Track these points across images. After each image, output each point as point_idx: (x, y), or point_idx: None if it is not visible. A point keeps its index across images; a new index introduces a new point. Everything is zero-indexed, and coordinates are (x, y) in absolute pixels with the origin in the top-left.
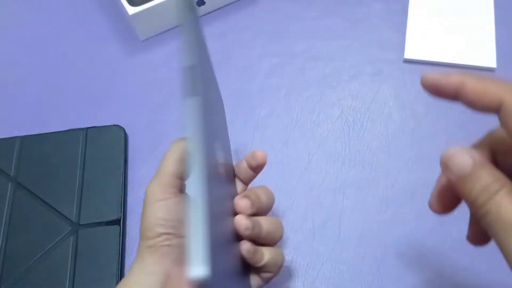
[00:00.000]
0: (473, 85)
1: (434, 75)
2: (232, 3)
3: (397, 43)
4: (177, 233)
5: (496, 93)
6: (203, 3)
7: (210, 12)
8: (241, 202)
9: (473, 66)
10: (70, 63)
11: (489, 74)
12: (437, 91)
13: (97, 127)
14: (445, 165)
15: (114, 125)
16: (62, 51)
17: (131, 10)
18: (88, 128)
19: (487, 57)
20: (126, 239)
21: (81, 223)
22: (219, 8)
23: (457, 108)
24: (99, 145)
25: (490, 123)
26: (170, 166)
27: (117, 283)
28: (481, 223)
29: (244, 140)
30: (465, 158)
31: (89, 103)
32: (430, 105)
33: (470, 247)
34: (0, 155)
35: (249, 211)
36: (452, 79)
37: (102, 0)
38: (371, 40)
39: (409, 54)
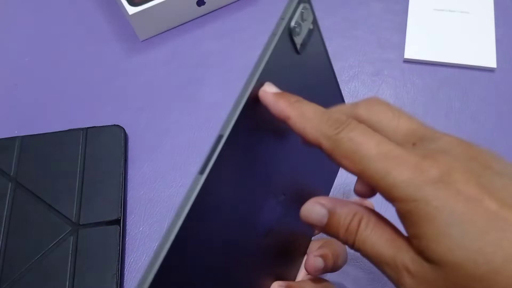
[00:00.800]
0: (294, 123)
1: (268, 95)
2: (232, 3)
3: (397, 43)
4: None
5: (313, 137)
6: (203, 3)
7: (210, 12)
8: (312, 263)
9: (473, 66)
10: (70, 63)
11: (489, 74)
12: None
13: (97, 127)
14: (307, 222)
15: (114, 125)
16: (62, 51)
17: (131, 10)
18: (88, 128)
19: (487, 57)
20: (126, 239)
21: (81, 223)
22: (219, 8)
23: (457, 108)
24: (99, 145)
25: (490, 123)
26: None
27: (117, 283)
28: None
29: None
30: (318, 210)
31: (89, 103)
32: (430, 105)
33: None
34: (0, 155)
35: (315, 275)
36: (279, 108)
37: (102, 0)
38: (371, 40)
39: (409, 54)
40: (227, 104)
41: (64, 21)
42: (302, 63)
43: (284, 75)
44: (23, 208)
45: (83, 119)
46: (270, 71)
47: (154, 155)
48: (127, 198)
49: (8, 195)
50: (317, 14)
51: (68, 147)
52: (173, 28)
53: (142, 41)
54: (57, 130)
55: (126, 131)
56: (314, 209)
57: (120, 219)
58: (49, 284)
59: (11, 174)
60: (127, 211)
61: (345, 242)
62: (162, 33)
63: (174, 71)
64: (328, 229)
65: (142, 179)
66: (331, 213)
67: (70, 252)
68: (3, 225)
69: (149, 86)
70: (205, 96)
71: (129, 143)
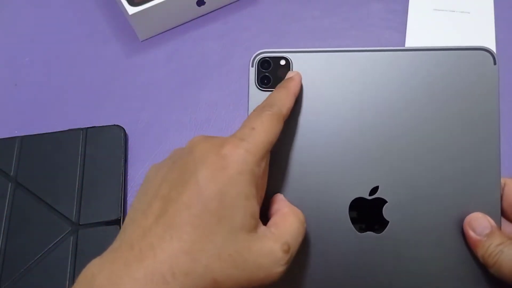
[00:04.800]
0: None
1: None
2: (232, 3)
3: (397, 43)
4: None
5: None
6: (203, 3)
7: (210, 12)
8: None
9: None
10: (70, 63)
11: None
12: None
13: (97, 127)
14: (470, 224)
15: (114, 125)
16: (62, 51)
17: (131, 10)
18: (88, 128)
19: None
20: None
21: (81, 223)
22: (219, 8)
23: None
24: (99, 145)
25: None
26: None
27: None
28: (492, 269)
29: None
30: (488, 221)
31: (89, 103)
32: None
33: None
34: (0, 155)
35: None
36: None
37: (102, 0)
38: (371, 40)
39: None
40: (227, 104)
41: (64, 21)
42: None
43: None
44: (23, 208)
45: (83, 119)
46: None
47: (154, 155)
48: (127, 198)
49: (8, 195)
50: (316, 14)
51: (68, 147)
52: (173, 28)
53: (142, 41)
54: (57, 130)
55: (126, 131)
56: (483, 220)
57: (120, 219)
58: (49, 284)
59: (11, 174)
60: (127, 211)
61: (484, 261)
62: (162, 33)
63: (174, 71)
64: (478, 242)
65: (142, 179)
66: (493, 230)
67: (70, 252)
68: (3, 225)
69: (149, 86)
70: (205, 96)
71: (129, 143)
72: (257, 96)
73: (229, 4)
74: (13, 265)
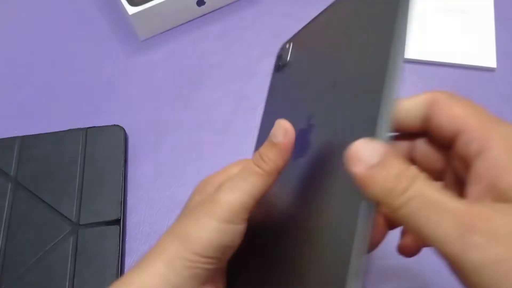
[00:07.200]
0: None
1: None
2: (232, 3)
3: None
4: (223, 257)
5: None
6: (203, 3)
7: (210, 12)
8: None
9: (473, 66)
10: (70, 63)
11: (489, 74)
12: None
13: (97, 127)
14: (352, 159)
15: (114, 125)
16: (62, 51)
17: (131, 10)
18: (88, 128)
19: (487, 57)
20: (126, 239)
21: (81, 223)
22: (219, 8)
23: None
24: (99, 145)
25: None
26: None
27: None
28: (399, 216)
29: (245, 140)
30: (375, 148)
31: (89, 103)
32: None
33: None
34: (0, 155)
35: None
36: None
37: (102, 0)
38: None
39: (409, 54)
40: (227, 104)
41: (64, 21)
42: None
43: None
44: (23, 208)
45: (83, 119)
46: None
47: (154, 155)
48: (127, 198)
49: (8, 195)
50: (316, 14)
51: (68, 147)
52: (173, 28)
53: (142, 41)
54: (57, 130)
55: (126, 131)
56: (370, 146)
57: (120, 219)
58: (49, 284)
59: (11, 174)
60: (127, 211)
61: (390, 188)
62: (162, 33)
63: (174, 71)
64: (373, 170)
65: (142, 179)
66: (388, 155)
67: (70, 252)
68: (3, 225)
69: (149, 86)
70: (205, 96)
71: (129, 143)
72: None
73: (229, 4)
74: (13, 265)
